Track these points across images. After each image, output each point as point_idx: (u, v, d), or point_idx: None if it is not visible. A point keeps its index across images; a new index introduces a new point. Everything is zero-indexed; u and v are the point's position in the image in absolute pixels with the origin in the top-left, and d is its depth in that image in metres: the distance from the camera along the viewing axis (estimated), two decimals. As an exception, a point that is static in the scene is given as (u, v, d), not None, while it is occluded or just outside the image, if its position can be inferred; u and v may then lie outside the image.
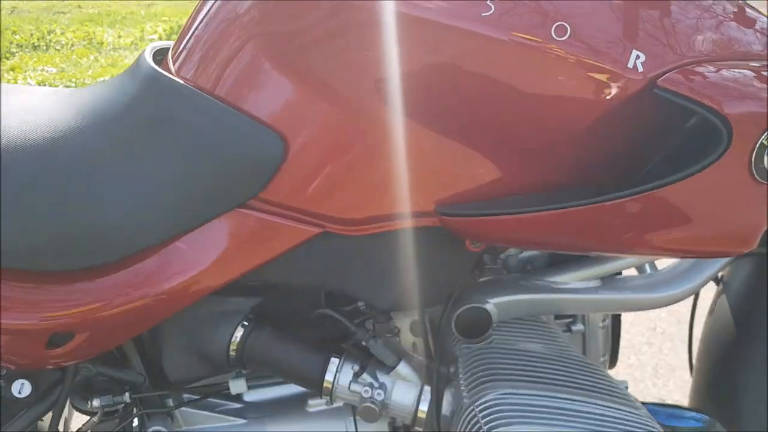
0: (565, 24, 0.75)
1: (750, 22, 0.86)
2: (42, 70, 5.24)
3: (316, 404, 1.06)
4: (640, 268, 1.08)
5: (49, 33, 6.26)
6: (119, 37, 6.32)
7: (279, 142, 0.82)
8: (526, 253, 1.06)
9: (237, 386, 1.04)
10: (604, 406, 0.88)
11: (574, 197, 0.81)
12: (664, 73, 0.76)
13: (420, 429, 0.95)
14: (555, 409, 0.86)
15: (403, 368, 0.94)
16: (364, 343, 0.93)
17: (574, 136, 0.80)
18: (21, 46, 5.89)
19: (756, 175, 0.78)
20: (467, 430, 0.85)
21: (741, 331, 1.16)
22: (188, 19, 0.95)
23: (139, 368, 1.00)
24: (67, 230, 0.83)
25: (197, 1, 0.96)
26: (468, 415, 0.86)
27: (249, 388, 1.04)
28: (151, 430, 0.99)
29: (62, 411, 0.96)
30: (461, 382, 0.92)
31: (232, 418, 1.04)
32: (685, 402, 1.37)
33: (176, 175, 0.83)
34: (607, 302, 1.01)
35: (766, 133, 0.76)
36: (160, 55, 0.98)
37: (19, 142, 0.83)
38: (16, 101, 0.92)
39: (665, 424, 0.90)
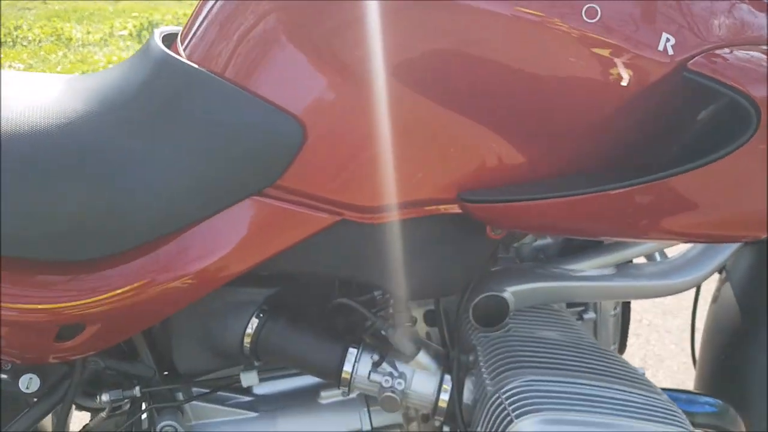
0: (596, 6, 0.75)
1: (762, 6, 0.86)
2: (9, 66, 5.12)
3: (328, 396, 1.04)
4: (650, 256, 1.08)
5: (15, 29, 6.13)
6: (88, 33, 6.21)
7: (298, 128, 0.80)
8: (539, 242, 1.06)
9: (248, 379, 1.02)
10: (626, 391, 0.88)
11: (600, 182, 0.80)
12: (692, 57, 0.76)
13: (440, 418, 0.94)
14: (580, 395, 0.86)
15: (422, 357, 0.92)
16: (383, 332, 0.91)
17: (600, 120, 0.80)
18: (-14, 42, 5.76)
19: None
20: (494, 417, 0.84)
21: (746, 319, 1.18)
22: (198, 3, 0.93)
23: (149, 361, 0.97)
24: (82, 219, 0.80)
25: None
26: (494, 402, 0.86)
27: (260, 380, 1.02)
28: (162, 424, 0.96)
29: (70, 407, 0.93)
30: (483, 370, 0.91)
31: (243, 411, 1.02)
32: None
33: (192, 162, 0.81)
34: (622, 289, 1.01)
35: None
36: (167, 41, 0.95)
37: (31, 130, 0.80)
38: (24, 89, 0.89)
39: (684, 409, 0.90)
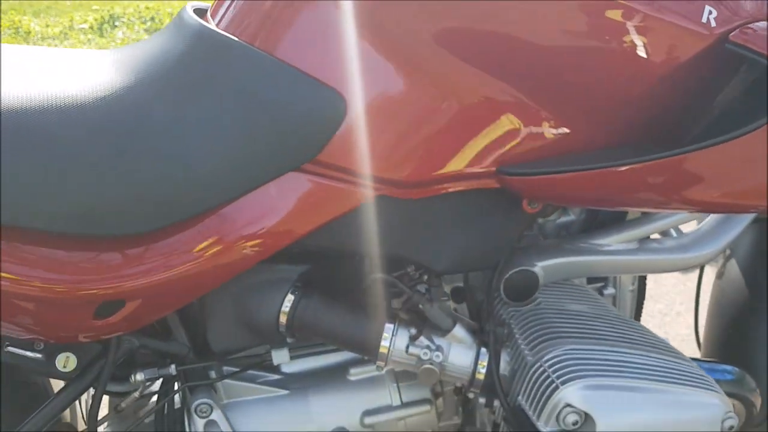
0: None
1: None
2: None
3: (357, 373, 1.05)
4: (666, 232, 1.11)
5: (-31, 22, 5.94)
6: (47, 26, 6.05)
7: (340, 102, 0.80)
8: (562, 219, 1.08)
9: (280, 356, 1.02)
10: (659, 358, 0.91)
11: (639, 154, 0.82)
12: (732, 30, 0.79)
13: (475, 390, 0.95)
14: (617, 362, 0.88)
15: (458, 331, 0.94)
16: (421, 306, 0.92)
17: (640, 93, 0.82)
18: (-59, 35, 5.58)
19: None
20: (538, 384, 0.86)
21: (753, 293, 1.22)
22: None
23: (183, 340, 0.96)
24: (125, 193, 0.78)
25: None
26: (536, 371, 0.87)
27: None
28: (198, 402, 0.96)
29: (105, 387, 0.91)
30: (519, 342, 0.93)
31: (273, 389, 1.02)
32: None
33: (233, 136, 0.80)
34: (645, 263, 1.04)
35: None
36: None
37: (72, 106, 0.78)
38: (57, 65, 0.88)
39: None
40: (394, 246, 0.91)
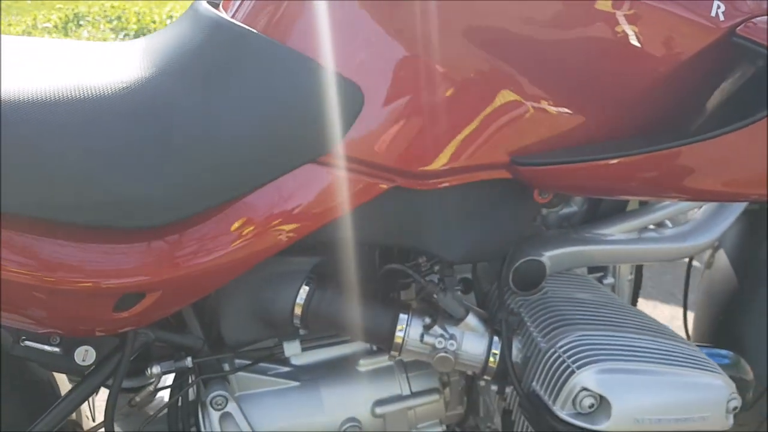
0: None
1: None
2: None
3: (367, 363, 1.06)
4: (662, 223, 1.15)
5: (-72, 20, 5.80)
6: (9, 25, 5.93)
7: (358, 94, 0.81)
8: (564, 210, 1.10)
9: (291, 348, 1.03)
10: (666, 343, 0.94)
11: (647, 143, 0.85)
12: (738, 24, 0.82)
13: (487, 377, 0.97)
14: (629, 347, 0.91)
15: (471, 320, 0.95)
16: (435, 296, 0.94)
17: (652, 84, 0.85)
18: None
19: None
20: (553, 370, 0.88)
21: (742, 281, 1.26)
22: None
23: (197, 333, 0.97)
24: (157, 183, 0.78)
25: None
26: (551, 357, 0.89)
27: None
28: (214, 394, 0.96)
29: (122, 380, 0.91)
30: (531, 329, 0.95)
31: (285, 380, 1.03)
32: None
33: (252, 128, 0.81)
34: (645, 252, 1.07)
35: None
36: None
37: (100, 98, 0.78)
38: (76, 56, 0.87)
39: (709, 361, 0.97)
40: (407, 236, 0.92)
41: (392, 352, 0.96)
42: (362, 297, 0.97)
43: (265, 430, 0.99)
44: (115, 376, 0.91)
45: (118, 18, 5.89)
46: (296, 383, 1.03)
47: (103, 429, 0.93)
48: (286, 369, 1.04)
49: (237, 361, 1.01)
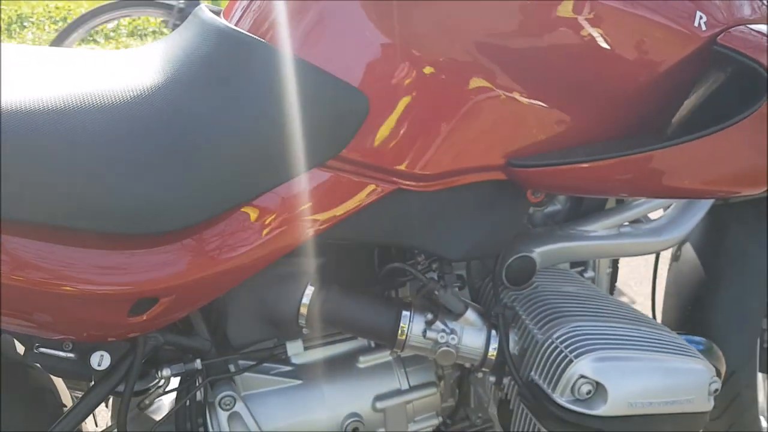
0: None
1: None
2: None
3: (366, 360, 1.10)
4: (637, 219, 1.22)
5: None
6: (-54, 25, 5.75)
7: (364, 100, 0.85)
8: (549, 209, 1.16)
9: (294, 348, 1.06)
10: (650, 331, 1.00)
11: (635, 145, 0.91)
12: (718, 33, 0.88)
13: (485, 369, 1.02)
14: (619, 335, 0.97)
15: (470, 314, 1.00)
16: (436, 293, 0.98)
17: (639, 90, 0.90)
18: None
19: None
20: (551, 360, 0.94)
21: (708, 272, 1.34)
22: None
23: (205, 335, 0.99)
24: (159, 192, 0.80)
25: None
26: (548, 348, 0.95)
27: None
28: (222, 395, 0.98)
29: (134, 383, 0.92)
30: (527, 322, 1.00)
31: (288, 379, 1.06)
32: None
33: (263, 134, 0.83)
34: (626, 247, 1.14)
35: None
36: None
37: (110, 106, 0.80)
38: (81, 64, 0.88)
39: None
40: (409, 236, 0.96)
41: (395, 349, 1.00)
42: (365, 296, 1.01)
43: (271, 428, 1.02)
44: (127, 379, 0.92)
45: (64, 19, 5.76)
46: (299, 381, 1.06)
47: (115, 430, 0.94)
48: (288, 368, 1.07)
49: (241, 362, 1.03)
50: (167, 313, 0.88)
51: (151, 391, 1.00)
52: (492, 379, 1.03)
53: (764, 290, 1.32)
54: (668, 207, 1.21)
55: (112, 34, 4.96)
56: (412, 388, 1.10)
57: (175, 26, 3.51)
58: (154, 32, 4.45)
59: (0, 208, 0.74)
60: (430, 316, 0.99)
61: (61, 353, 0.90)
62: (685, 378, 0.96)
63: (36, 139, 0.75)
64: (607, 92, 0.91)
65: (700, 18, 0.88)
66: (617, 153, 0.91)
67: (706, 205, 1.19)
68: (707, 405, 0.98)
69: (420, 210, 0.94)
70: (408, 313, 0.99)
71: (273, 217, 0.87)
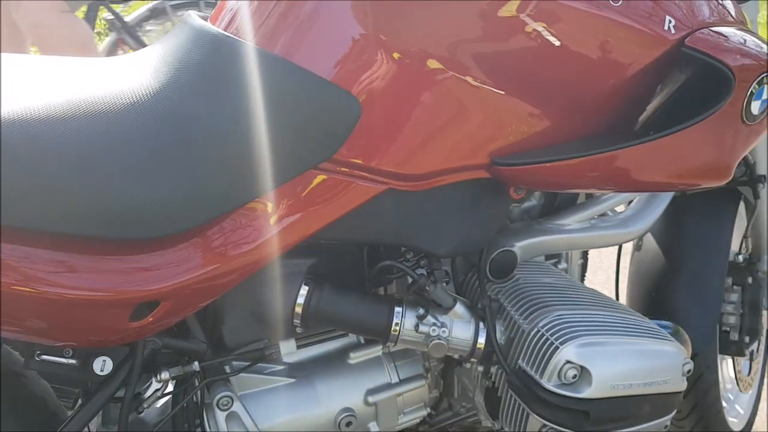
0: None
1: None
2: None
3: (357, 356, 1.13)
4: (605, 213, 1.28)
5: None
6: None
7: (356, 104, 0.88)
8: (526, 204, 1.21)
9: (287, 347, 1.08)
10: (625, 317, 1.07)
11: (610, 143, 0.97)
12: (686, 36, 0.95)
13: (474, 359, 1.06)
14: (599, 322, 1.03)
15: (458, 308, 1.04)
16: (427, 288, 1.02)
17: (615, 90, 0.96)
18: None
19: (745, 119, 0.99)
20: (538, 347, 0.99)
21: (668, 260, 1.42)
22: None
23: (201, 337, 1.00)
24: (158, 196, 0.81)
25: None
26: (535, 336, 1.00)
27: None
28: (220, 395, 1.00)
29: (135, 387, 0.94)
30: (512, 313, 1.05)
31: (282, 378, 1.08)
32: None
33: (259, 138, 0.85)
34: (597, 239, 1.20)
35: (754, 83, 0.98)
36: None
37: (107, 111, 0.80)
38: (77, 72, 0.89)
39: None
40: (399, 234, 1.00)
41: (389, 343, 1.03)
42: (357, 294, 1.04)
43: (267, 427, 1.04)
44: (128, 384, 0.93)
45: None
46: (292, 380, 1.09)
47: (117, 435, 0.95)
48: (281, 367, 1.10)
49: (235, 362, 1.05)
50: (167, 316, 0.89)
51: (150, 394, 1.01)
52: (480, 368, 1.07)
53: (721, 276, 1.41)
54: (632, 200, 1.28)
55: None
56: (402, 381, 1.14)
57: (119, 32, 3.45)
58: (99, 33, 4.34)
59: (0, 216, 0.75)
60: (421, 311, 1.03)
61: (62, 360, 0.90)
62: (661, 360, 1.03)
63: (33, 147, 0.76)
64: (585, 93, 0.96)
65: (669, 22, 0.94)
66: (596, 150, 0.96)
67: (668, 197, 1.26)
68: (682, 385, 1.05)
69: (410, 209, 0.97)
70: (400, 308, 1.03)
71: (270, 218, 0.90)
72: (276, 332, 1.06)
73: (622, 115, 1.00)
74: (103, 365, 0.91)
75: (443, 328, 1.03)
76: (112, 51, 3.44)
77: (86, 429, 0.94)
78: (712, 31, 0.97)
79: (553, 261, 1.29)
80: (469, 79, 0.91)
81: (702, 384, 1.40)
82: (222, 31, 0.89)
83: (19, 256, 0.78)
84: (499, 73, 0.92)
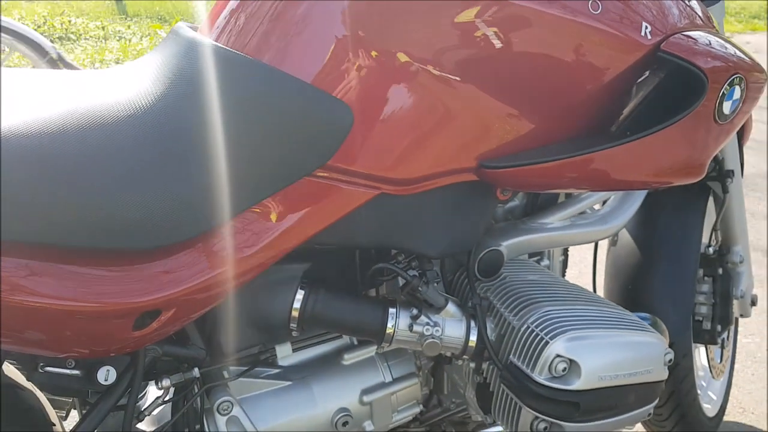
0: (597, 1, 0.95)
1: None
2: None
3: (350, 357, 1.16)
4: (583, 210, 1.33)
5: None
6: None
7: (349, 112, 0.91)
8: (509, 205, 1.25)
9: (283, 351, 1.11)
10: (608, 311, 1.11)
11: (593, 144, 1.01)
12: (662, 41, 0.99)
13: (466, 357, 1.10)
14: (585, 317, 1.07)
15: (450, 307, 1.08)
16: (420, 289, 1.05)
17: (595, 92, 1.00)
18: None
19: (717, 118, 1.05)
20: (528, 343, 1.03)
21: (643, 254, 1.48)
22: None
23: (199, 344, 1.02)
24: (158, 206, 0.83)
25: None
26: (525, 332, 1.04)
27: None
28: (220, 400, 1.02)
29: (137, 395, 0.95)
30: (502, 310, 1.09)
31: (278, 381, 1.11)
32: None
33: (256, 147, 0.87)
34: (578, 236, 1.24)
35: (726, 84, 1.03)
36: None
37: (95, 125, 0.82)
38: (71, 85, 0.90)
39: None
40: (392, 237, 1.03)
41: (384, 343, 1.06)
42: (352, 296, 1.07)
43: (266, 429, 1.06)
44: (131, 392, 0.95)
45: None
46: (288, 382, 1.11)
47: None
48: (277, 370, 1.12)
49: (231, 368, 1.07)
50: (169, 324, 0.91)
51: (151, 401, 1.02)
52: (471, 365, 1.11)
53: (693, 267, 1.47)
54: (607, 198, 1.33)
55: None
56: (395, 380, 1.17)
57: None
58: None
59: (0, 230, 0.76)
60: (414, 311, 1.06)
61: (66, 371, 0.91)
62: (644, 351, 1.08)
63: (30, 160, 0.77)
64: (568, 97, 1.00)
65: (646, 28, 0.98)
66: (579, 152, 1.00)
67: (642, 194, 1.31)
68: (663, 374, 1.10)
69: (402, 212, 1.00)
70: (394, 309, 1.06)
71: (268, 224, 0.92)
72: (273, 336, 1.08)
73: (603, 116, 1.05)
74: (107, 374, 0.92)
75: (436, 328, 1.06)
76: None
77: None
78: (685, 35, 1.02)
79: (535, 258, 1.33)
80: (456, 86, 0.94)
81: (678, 372, 1.46)
82: (214, 42, 0.91)
83: (19, 270, 0.79)
84: (485, 79, 0.95)
